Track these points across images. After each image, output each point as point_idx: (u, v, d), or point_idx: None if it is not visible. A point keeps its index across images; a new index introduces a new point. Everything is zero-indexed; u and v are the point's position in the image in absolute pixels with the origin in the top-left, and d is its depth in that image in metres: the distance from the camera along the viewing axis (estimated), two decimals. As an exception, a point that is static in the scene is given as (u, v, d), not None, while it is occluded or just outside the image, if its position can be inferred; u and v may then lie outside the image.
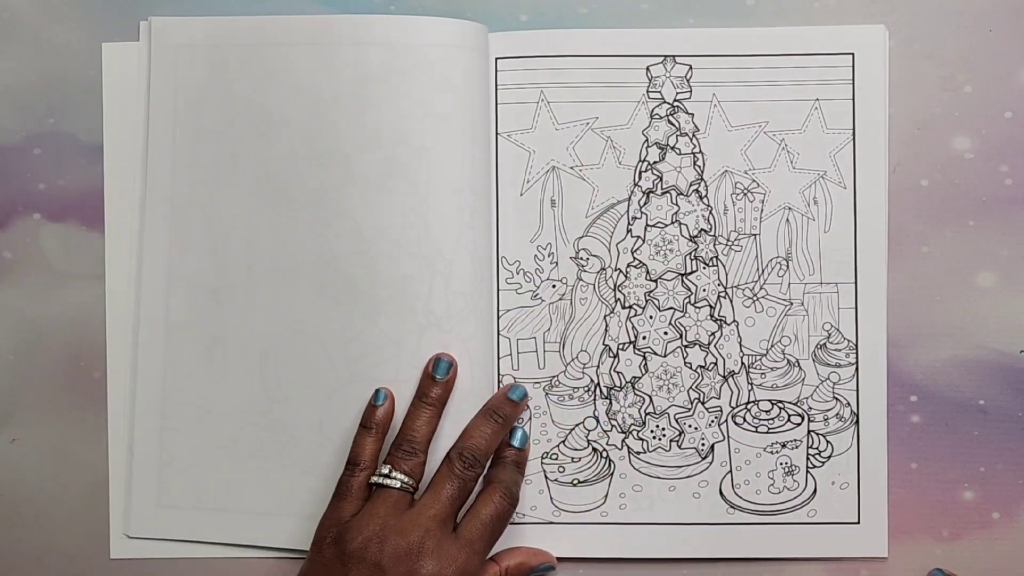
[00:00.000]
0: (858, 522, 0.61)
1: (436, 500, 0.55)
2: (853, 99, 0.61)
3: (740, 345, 0.62)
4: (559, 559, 0.61)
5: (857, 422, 0.61)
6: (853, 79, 0.61)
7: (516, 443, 0.60)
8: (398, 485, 0.55)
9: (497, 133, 0.62)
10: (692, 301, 0.62)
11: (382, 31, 0.60)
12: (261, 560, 0.61)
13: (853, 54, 0.61)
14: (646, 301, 0.62)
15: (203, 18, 0.62)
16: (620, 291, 0.62)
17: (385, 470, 0.56)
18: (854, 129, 0.61)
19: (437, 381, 0.58)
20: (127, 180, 0.62)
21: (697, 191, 0.62)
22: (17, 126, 0.63)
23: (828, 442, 0.61)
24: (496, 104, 0.62)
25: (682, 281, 0.62)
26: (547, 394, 0.62)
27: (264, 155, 0.61)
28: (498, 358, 0.62)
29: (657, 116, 0.62)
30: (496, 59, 0.62)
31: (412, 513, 0.54)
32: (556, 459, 0.62)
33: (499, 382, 0.62)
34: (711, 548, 0.61)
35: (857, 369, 0.61)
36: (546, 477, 0.62)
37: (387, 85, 0.60)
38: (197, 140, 0.61)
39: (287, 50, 0.61)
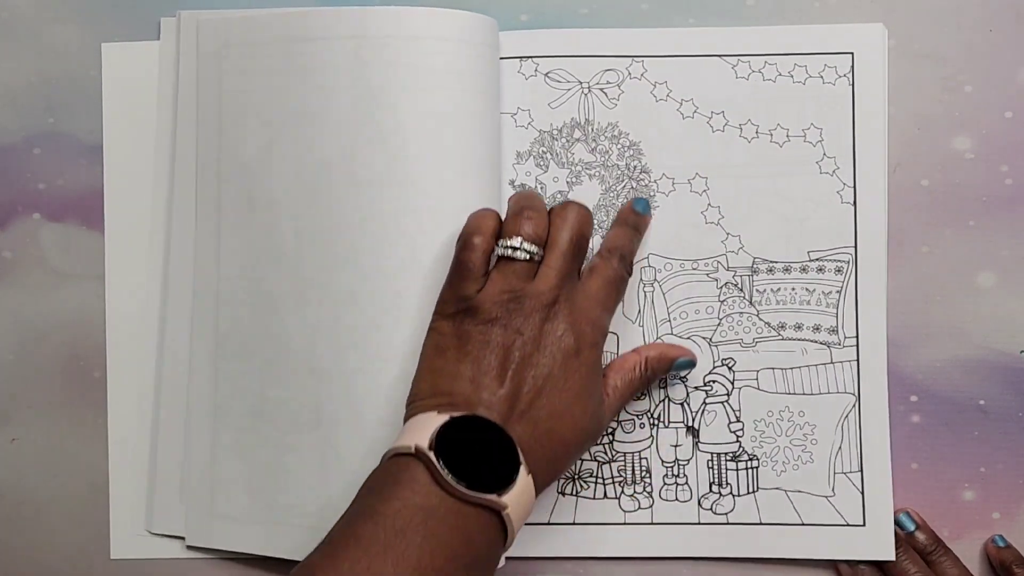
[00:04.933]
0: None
1: (560, 259, 0.51)
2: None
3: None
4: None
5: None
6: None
7: (640, 208, 0.56)
8: (526, 257, 0.52)
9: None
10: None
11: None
12: (262, 561, 0.61)
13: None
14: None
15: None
16: None
17: (514, 242, 0.52)
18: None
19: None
20: (127, 180, 0.62)
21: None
22: (17, 126, 0.63)
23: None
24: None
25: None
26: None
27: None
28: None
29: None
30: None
31: (541, 275, 0.51)
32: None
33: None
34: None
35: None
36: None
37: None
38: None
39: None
